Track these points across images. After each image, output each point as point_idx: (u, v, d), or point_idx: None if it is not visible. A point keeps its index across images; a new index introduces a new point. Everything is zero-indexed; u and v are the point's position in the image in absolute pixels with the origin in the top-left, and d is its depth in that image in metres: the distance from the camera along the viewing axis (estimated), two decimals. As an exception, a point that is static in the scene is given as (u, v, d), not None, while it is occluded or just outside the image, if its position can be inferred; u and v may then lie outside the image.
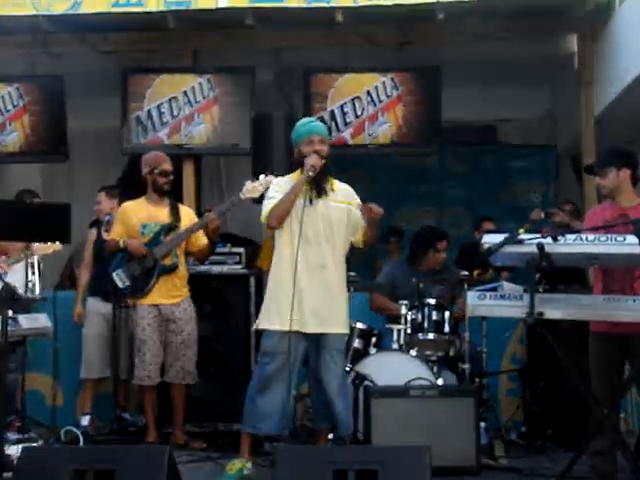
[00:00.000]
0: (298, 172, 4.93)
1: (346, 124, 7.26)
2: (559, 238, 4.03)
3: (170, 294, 5.74)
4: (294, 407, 5.40)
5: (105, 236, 6.09)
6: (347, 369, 5.48)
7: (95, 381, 6.27)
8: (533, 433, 5.76)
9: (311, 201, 4.83)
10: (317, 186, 4.86)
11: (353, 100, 7.26)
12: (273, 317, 4.83)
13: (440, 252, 6.23)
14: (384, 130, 7.26)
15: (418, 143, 7.31)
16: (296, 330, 4.73)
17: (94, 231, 6.46)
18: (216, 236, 5.82)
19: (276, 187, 4.97)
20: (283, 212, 4.83)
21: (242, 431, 4.95)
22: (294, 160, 4.98)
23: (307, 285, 4.80)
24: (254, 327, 5.04)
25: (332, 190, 4.93)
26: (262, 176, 5.41)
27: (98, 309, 6.26)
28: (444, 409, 5.01)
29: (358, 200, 5.02)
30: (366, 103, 7.26)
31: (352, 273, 5.76)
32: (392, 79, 7.26)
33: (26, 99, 7.41)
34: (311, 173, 4.77)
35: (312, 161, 4.78)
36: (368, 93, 7.26)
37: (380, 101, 7.26)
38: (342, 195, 4.97)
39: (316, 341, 4.84)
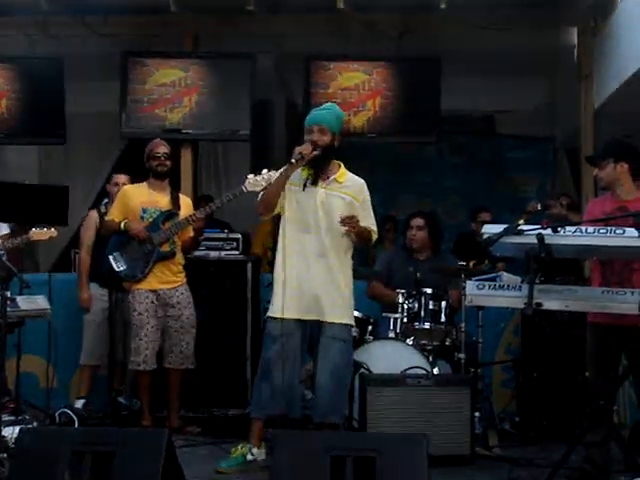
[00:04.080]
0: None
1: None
2: (559, 230, 4.04)
3: (167, 279, 5.74)
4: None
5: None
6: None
7: (93, 367, 6.26)
8: (526, 424, 5.79)
9: (304, 187, 4.82)
10: (314, 174, 4.85)
11: (344, 90, 7.27)
12: (274, 304, 4.86)
13: (412, 229, 6.20)
14: (365, 115, 7.27)
15: (417, 133, 7.32)
16: (294, 318, 4.78)
17: (95, 213, 6.34)
18: (198, 232, 5.97)
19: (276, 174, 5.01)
20: (269, 199, 4.85)
21: (251, 417, 4.93)
22: None
23: (305, 273, 4.80)
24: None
25: (338, 181, 4.90)
26: (265, 170, 5.40)
27: (98, 295, 6.21)
28: (440, 398, 5.02)
29: (366, 196, 4.97)
30: (360, 91, 7.28)
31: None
32: (385, 72, 7.26)
33: (24, 80, 7.37)
34: (293, 160, 4.73)
35: (299, 148, 4.76)
36: (363, 83, 7.27)
37: (370, 90, 7.27)
38: (350, 188, 4.91)
39: (317, 329, 4.84)
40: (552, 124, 9.01)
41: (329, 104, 5.07)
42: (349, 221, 4.74)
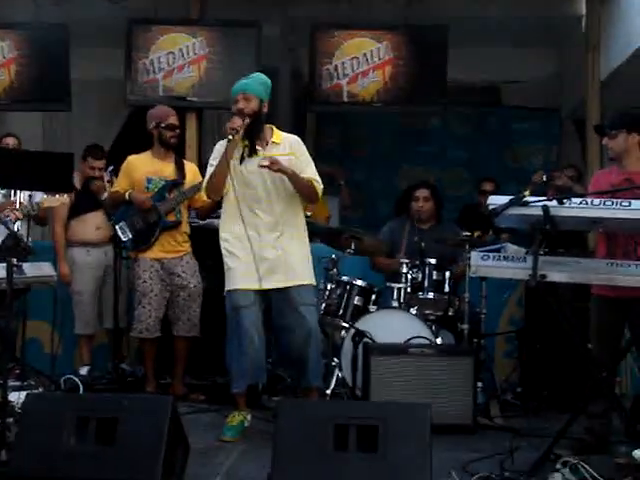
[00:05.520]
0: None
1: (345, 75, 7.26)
2: (565, 201, 4.03)
3: (172, 249, 5.76)
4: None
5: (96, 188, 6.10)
6: (345, 326, 5.53)
7: (90, 336, 6.28)
8: (528, 394, 5.81)
9: (241, 160, 4.77)
10: (250, 144, 4.81)
11: (352, 60, 7.24)
12: (234, 277, 4.83)
13: (418, 200, 6.22)
14: (375, 85, 7.23)
15: (424, 103, 7.28)
16: (255, 288, 4.77)
17: None
18: None
19: (215, 153, 4.89)
20: (218, 184, 4.80)
21: (234, 392, 4.92)
22: None
23: (262, 243, 4.79)
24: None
25: (275, 143, 4.87)
26: None
27: (84, 262, 6.20)
28: (442, 368, 5.05)
29: (304, 150, 4.94)
30: (363, 61, 7.24)
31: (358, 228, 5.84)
32: (393, 41, 7.20)
33: (29, 47, 7.32)
34: (230, 137, 4.67)
35: (229, 124, 4.70)
36: (371, 52, 7.24)
37: (379, 58, 7.23)
38: (287, 147, 4.89)
39: (281, 296, 4.83)
40: (558, 95, 8.96)
41: (255, 73, 4.97)
42: (269, 162, 4.67)
